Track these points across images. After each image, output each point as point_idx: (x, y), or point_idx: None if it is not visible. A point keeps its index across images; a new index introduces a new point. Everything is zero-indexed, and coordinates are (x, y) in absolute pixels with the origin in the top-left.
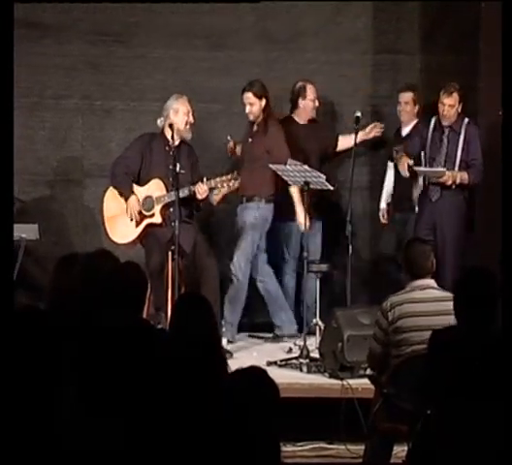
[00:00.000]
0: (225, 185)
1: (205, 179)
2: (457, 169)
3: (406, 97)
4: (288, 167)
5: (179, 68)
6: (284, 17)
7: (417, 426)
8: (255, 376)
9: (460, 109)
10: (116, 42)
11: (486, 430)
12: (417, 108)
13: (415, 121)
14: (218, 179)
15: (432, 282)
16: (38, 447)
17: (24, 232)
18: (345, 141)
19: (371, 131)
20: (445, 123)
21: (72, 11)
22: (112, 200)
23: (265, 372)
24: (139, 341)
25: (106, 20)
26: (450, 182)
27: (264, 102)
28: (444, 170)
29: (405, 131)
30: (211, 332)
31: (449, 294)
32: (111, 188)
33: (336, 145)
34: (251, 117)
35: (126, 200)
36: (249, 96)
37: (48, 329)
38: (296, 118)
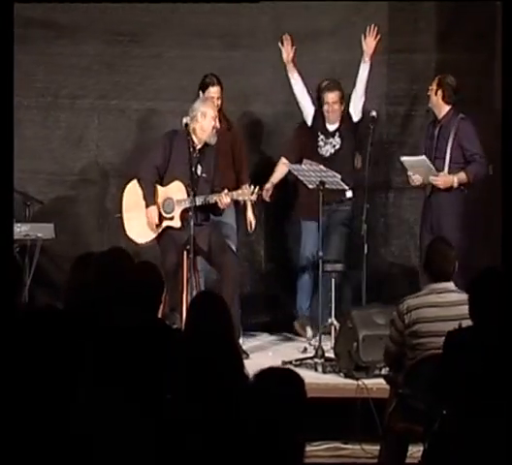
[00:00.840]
0: (246, 198)
1: (226, 190)
2: (447, 166)
3: (333, 96)
4: (304, 166)
5: (195, 67)
6: (299, 17)
7: (433, 427)
8: (286, 375)
9: (441, 100)
10: (132, 42)
11: (502, 431)
12: (343, 106)
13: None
14: (240, 192)
15: (450, 285)
16: (54, 445)
17: (41, 231)
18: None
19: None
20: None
21: (88, 11)
22: (132, 193)
23: (294, 372)
24: (154, 341)
25: (121, 20)
26: (443, 187)
27: None
28: (428, 164)
29: (332, 128)
30: (227, 331)
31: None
32: (132, 183)
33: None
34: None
35: (147, 206)
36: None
37: (65, 329)
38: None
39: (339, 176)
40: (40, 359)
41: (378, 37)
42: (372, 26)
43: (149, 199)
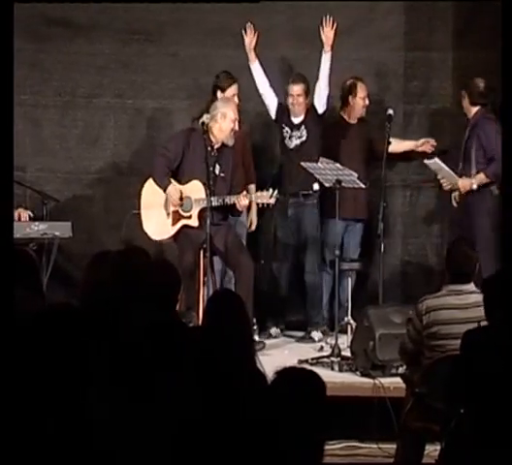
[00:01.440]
0: (265, 201)
1: (245, 192)
2: (473, 168)
3: (297, 89)
4: (320, 164)
5: (210, 66)
6: (316, 15)
7: (450, 426)
8: (307, 376)
9: (468, 102)
10: (148, 40)
11: None
12: (308, 99)
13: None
14: (259, 194)
15: (470, 287)
16: (69, 442)
17: (58, 229)
18: (397, 146)
19: (423, 145)
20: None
21: (105, 10)
22: (149, 193)
23: (315, 373)
24: (171, 339)
25: (137, 19)
26: (463, 191)
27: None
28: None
29: (297, 121)
30: (243, 329)
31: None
32: (149, 181)
33: (387, 148)
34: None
35: (164, 190)
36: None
37: (82, 327)
38: (344, 116)
39: (356, 175)
40: (56, 357)
41: (335, 26)
42: (328, 17)
43: (164, 185)
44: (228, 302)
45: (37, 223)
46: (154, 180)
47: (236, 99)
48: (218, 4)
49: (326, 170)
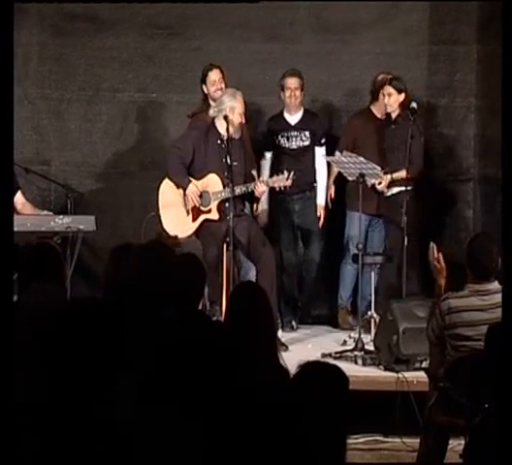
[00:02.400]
0: (281, 184)
1: (262, 179)
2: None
3: (295, 82)
4: (344, 158)
5: (234, 60)
6: (339, 9)
7: (475, 420)
8: (328, 369)
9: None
10: (171, 34)
11: None
12: (302, 94)
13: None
14: (275, 178)
15: (494, 286)
16: (96, 437)
17: (82, 223)
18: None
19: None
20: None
21: (127, 5)
22: (167, 192)
23: (339, 368)
24: (195, 333)
25: (161, 13)
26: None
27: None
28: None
29: (294, 121)
30: (267, 324)
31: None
32: (166, 180)
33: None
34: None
35: (184, 190)
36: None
37: (107, 320)
38: (374, 111)
39: (379, 168)
40: (82, 350)
41: None
42: None
43: (184, 183)
44: (252, 296)
45: (61, 216)
46: (172, 180)
47: (220, 84)
48: (251, 3)
49: (349, 164)
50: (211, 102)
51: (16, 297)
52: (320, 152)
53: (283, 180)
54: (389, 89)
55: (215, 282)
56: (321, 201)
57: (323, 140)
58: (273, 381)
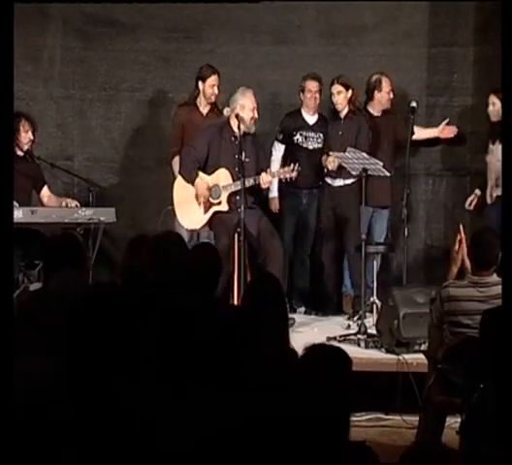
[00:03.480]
0: (287, 176)
1: (268, 170)
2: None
3: (316, 85)
4: (348, 154)
5: (246, 62)
6: (344, 13)
7: (471, 399)
8: (332, 351)
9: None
10: (186, 38)
11: None
12: (320, 98)
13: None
14: (281, 170)
15: (492, 278)
16: (115, 422)
17: (103, 215)
18: (421, 133)
19: (444, 130)
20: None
21: (146, 10)
22: (180, 187)
23: (342, 350)
24: (212, 320)
25: (177, 18)
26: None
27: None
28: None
29: (312, 121)
30: (281, 310)
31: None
32: (179, 178)
33: (410, 138)
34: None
35: (193, 184)
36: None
37: (123, 302)
38: (370, 110)
39: (381, 164)
40: (104, 331)
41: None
42: None
43: (192, 179)
44: (268, 285)
45: (84, 208)
46: (183, 176)
47: (216, 89)
48: (251, 3)
49: (353, 160)
50: (203, 98)
51: (42, 284)
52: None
53: (289, 172)
54: (338, 88)
55: (227, 270)
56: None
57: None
58: (284, 362)
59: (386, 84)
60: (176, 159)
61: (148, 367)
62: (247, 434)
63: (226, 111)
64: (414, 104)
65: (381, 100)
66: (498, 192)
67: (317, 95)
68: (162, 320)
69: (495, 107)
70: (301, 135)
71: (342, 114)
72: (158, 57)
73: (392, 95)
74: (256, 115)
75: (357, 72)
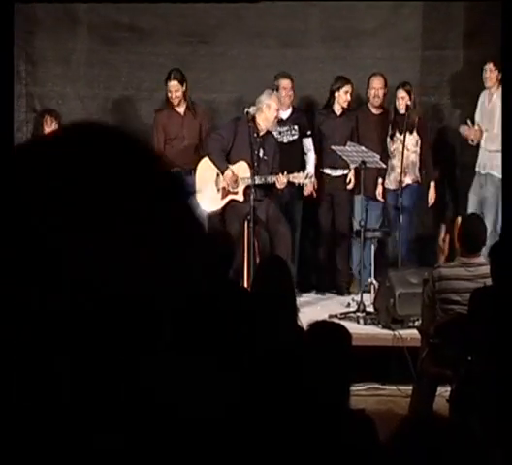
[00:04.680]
0: (301, 181)
1: (285, 173)
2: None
3: (288, 83)
4: (348, 148)
5: (254, 64)
6: (344, 19)
7: (460, 371)
8: (335, 328)
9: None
10: (200, 42)
11: None
12: (293, 94)
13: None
14: (296, 175)
15: (480, 259)
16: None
17: None
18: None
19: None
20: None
21: (164, 16)
22: (203, 169)
23: (342, 326)
24: (228, 299)
25: (192, 24)
26: None
27: None
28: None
29: (285, 116)
30: (290, 290)
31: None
32: (205, 159)
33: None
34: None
35: (222, 173)
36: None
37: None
38: (370, 107)
39: (378, 156)
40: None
41: None
42: None
43: (223, 167)
44: (277, 267)
45: None
46: (212, 161)
47: (177, 92)
48: (261, 8)
49: (353, 153)
50: (173, 100)
51: None
52: (308, 142)
53: (302, 178)
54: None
55: (237, 253)
56: (307, 180)
57: (309, 132)
58: (292, 337)
59: (377, 82)
60: None
61: (167, 341)
62: (260, 401)
63: (252, 110)
64: (409, 103)
65: (371, 98)
66: (409, 180)
67: (291, 92)
68: (181, 297)
69: (403, 100)
70: (275, 130)
71: (339, 112)
72: (175, 60)
73: (382, 92)
74: (280, 115)
75: (356, 73)
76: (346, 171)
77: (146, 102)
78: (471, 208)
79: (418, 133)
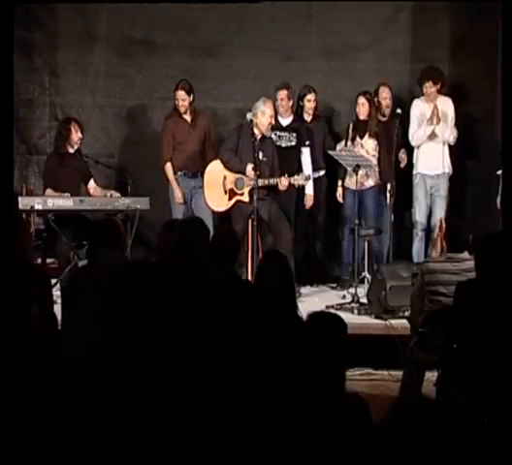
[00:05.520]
0: (300, 182)
1: (286, 175)
2: None
3: (283, 93)
4: (344, 153)
5: (259, 75)
6: (340, 34)
7: (446, 357)
8: (331, 317)
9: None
10: (208, 55)
11: (503, 359)
12: (291, 102)
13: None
14: (296, 177)
15: (465, 255)
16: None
17: (139, 203)
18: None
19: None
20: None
21: (175, 32)
22: (213, 172)
23: (338, 315)
24: (233, 289)
25: (201, 39)
26: None
27: None
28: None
29: (285, 123)
30: (289, 282)
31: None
32: (214, 162)
33: (397, 139)
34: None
35: (245, 173)
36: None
37: (157, 275)
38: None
39: (371, 160)
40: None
41: None
42: None
43: (241, 167)
44: (278, 261)
45: (123, 198)
46: (230, 169)
47: (183, 101)
48: (264, 24)
49: (348, 157)
50: (180, 108)
51: (88, 261)
52: (306, 151)
53: (302, 179)
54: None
55: (242, 249)
56: (309, 190)
57: (307, 143)
58: (293, 326)
59: (385, 93)
60: (168, 165)
61: (183, 328)
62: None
63: (249, 116)
64: (399, 110)
65: (380, 106)
66: (371, 182)
67: (287, 100)
68: (194, 289)
69: (363, 107)
70: (275, 134)
71: (309, 118)
72: (184, 71)
73: (388, 101)
74: (273, 121)
75: (352, 84)
76: (322, 173)
77: (158, 110)
78: (422, 206)
79: (376, 138)
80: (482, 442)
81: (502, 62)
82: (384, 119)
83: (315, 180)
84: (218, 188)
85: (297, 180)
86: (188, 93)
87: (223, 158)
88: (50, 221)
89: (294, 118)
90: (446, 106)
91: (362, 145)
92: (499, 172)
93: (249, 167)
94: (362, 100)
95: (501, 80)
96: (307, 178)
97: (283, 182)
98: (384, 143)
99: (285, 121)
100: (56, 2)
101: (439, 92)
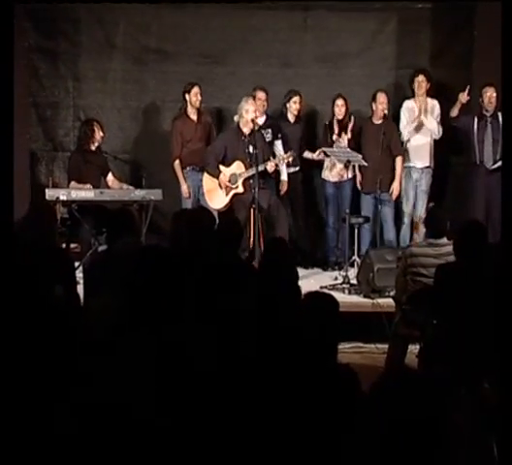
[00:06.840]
0: (286, 160)
1: (271, 157)
2: None
3: (262, 95)
4: (335, 149)
5: (260, 80)
6: (333, 43)
7: (427, 332)
8: (326, 297)
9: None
10: (214, 62)
11: (477, 334)
12: (266, 106)
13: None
14: (280, 156)
15: (444, 240)
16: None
17: (153, 195)
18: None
19: None
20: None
21: (185, 41)
22: (208, 180)
23: (331, 295)
24: (238, 272)
25: (208, 47)
26: None
27: None
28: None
29: (260, 122)
30: (292, 265)
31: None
32: (205, 173)
33: (383, 138)
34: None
35: (217, 177)
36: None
37: (169, 258)
38: (373, 118)
39: (360, 156)
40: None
41: None
42: None
43: (215, 173)
44: (281, 247)
45: (138, 190)
46: (207, 171)
47: (199, 96)
48: (265, 34)
49: (339, 153)
50: (190, 107)
51: (107, 246)
52: (279, 143)
53: (287, 157)
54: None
55: (244, 236)
56: (284, 176)
57: (280, 135)
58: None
59: (381, 98)
60: (177, 162)
61: (191, 309)
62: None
63: (235, 118)
64: (386, 112)
65: (376, 110)
66: (350, 174)
67: (265, 102)
68: (202, 271)
69: (341, 108)
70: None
71: (292, 119)
72: (193, 77)
73: (384, 106)
74: (256, 115)
75: (344, 88)
76: (297, 168)
77: (170, 111)
78: (410, 197)
79: (352, 135)
80: (459, 406)
81: (502, 62)
82: (379, 122)
83: (291, 174)
84: (216, 189)
85: (282, 159)
86: (201, 91)
87: (205, 159)
88: (74, 210)
89: (266, 117)
90: (433, 104)
91: (339, 142)
92: None
93: (222, 175)
94: (340, 101)
95: (502, 80)
96: (289, 156)
97: (270, 164)
98: (384, 148)
99: (260, 120)
100: (56, 2)
101: (427, 94)
